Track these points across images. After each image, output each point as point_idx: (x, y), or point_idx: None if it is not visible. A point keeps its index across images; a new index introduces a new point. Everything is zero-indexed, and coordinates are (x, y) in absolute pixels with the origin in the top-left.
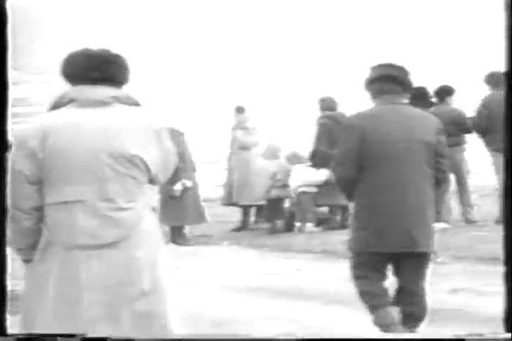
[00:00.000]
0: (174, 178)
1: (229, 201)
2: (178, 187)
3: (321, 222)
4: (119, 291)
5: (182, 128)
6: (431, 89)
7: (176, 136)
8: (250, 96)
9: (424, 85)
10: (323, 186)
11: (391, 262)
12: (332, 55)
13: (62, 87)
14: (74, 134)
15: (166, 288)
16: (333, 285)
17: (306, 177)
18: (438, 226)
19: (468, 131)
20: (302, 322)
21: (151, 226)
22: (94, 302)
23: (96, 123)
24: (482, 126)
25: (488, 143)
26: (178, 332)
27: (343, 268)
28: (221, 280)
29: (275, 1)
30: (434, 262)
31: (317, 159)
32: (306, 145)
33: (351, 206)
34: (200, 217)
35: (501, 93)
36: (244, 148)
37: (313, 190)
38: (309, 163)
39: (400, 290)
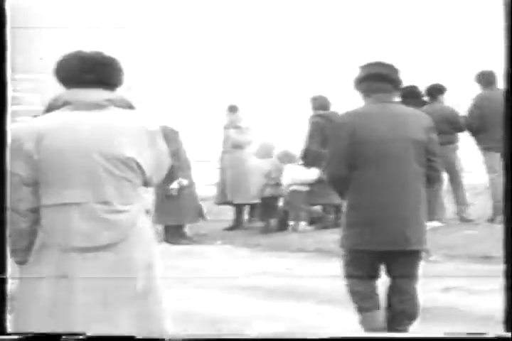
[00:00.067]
0: (170, 177)
1: (222, 200)
2: (174, 186)
3: (315, 221)
4: (115, 293)
5: (176, 127)
6: (422, 88)
7: (170, 134)
8: (243, 95)
9: (415, 84)
10: (316, 185)
11: (383, 260)
12: (324, 53)
13: (55, 85)
14: (69, 136)
15: (161, 288)
16: (326, 284)
17: (297, 176)
18: (431, 224)
19: (461, 130)
20: (295, 321)
21: (145, 228)
22: (88, 303)
23: (91, 125)
24: (474, 125)
25: (480, 142)
26: (171, 331)
27: (336, 267)
28: (214, 280)
29: (266, 1)
30: (427, 261)
31: (309, 158)
32: (298, 144)
33: (344, 204)
34: (198, 216)
35: (492, 92)
36: (238, 147)
37: (305, 188)
38: (301, 162)
39: (392, 289)
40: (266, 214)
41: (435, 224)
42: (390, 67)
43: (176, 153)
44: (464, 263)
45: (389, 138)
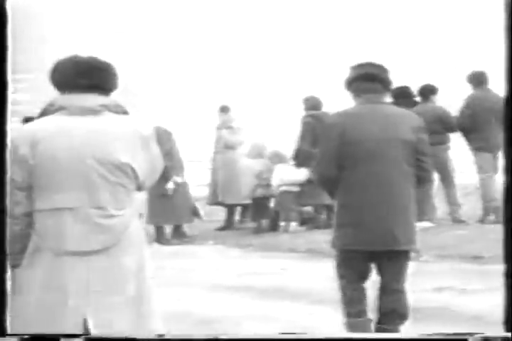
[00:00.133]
0: (165, 177)
1: (214, 200)
2: (170, 186)
3: (306, 221)
4: (108, 296)
5: (170, 128)
6: (415, 89)
7: (164, 135)
8: (235, 96)
9: (407, 84)
10: (306, 185)
11: (373, 260)
12: (317, 54)
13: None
14: (64, 142)
15: (152, 288)
16: (318, 284)
17: (286, 176)
18: (422, 225)
19: (453, 130)
20: (287, 322)
21: (137, 231)
22: (79, 306)
23: (86, 130)
24: (465, 124)
25: (471, 142)
26: (163, 331)
27: (328, 268)
28: (206, 280)
29: (259, 2)
30: (419, 261)
31: (300, 158)
32: (290, 145)
33: (335, 205)
34: (193, 216)
35: (483, 92)
36: (230, 147)
37: (295, 189)
38: (292, 162)
39: (382, 288)
40: (257, 215)
41: (426, 224)
42: (380, 67)
43: (169, 153)
44: (455, 263)
45: (378, 138)
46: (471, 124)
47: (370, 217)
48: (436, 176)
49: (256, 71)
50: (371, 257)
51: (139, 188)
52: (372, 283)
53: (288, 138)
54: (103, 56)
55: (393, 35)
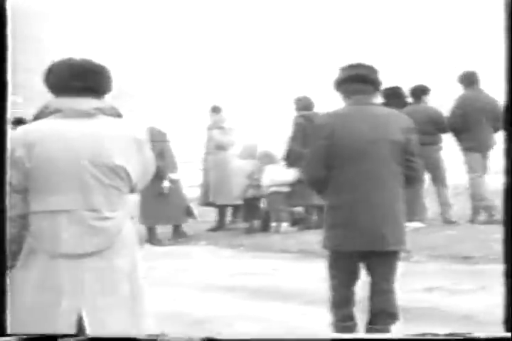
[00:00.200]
0: (160, 177)
1: (206, 201)
2: (166, 184)
3: (297, 222)
4: (101, 297)
5: (163, 128)
6: (406, 89)
7: (158, 135)
8: (226, 96)
9: (398, 85)
10: (297, 186)
11: (362, 260)
12: (309, 54)
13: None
14: (60, 144)
15: (144, 289)
16: (310, 284)
17: (277, 177)
18: (413, 225)
19: (445, 130)
20: (279, 322)
21: (129, 233)
22: (73, 307)
23: (81, 133)
24: (455, 124)
25: (461, 142)
26: (155, 331)
27: (320, 268)
28: (198, 280)
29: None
30: (410, 261)
31: (291, 159)
32: (282, 145)
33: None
34: (187, 216)
35: (474, 92)
36: (221, 148)
37: (285, 189)
38: (283, 163)
39: (372, 289)
40: (249, 215)
41: (417, 224)
42: (370, 68)
43: (162, 153)
44: (446, 264)
45: (367, 139)
46: (461, 124)
47: (359, 218)
48: (427, 176)
49: (248, 71)
50: (361, 257)
51: (132, 190)
52: (363, 284)
53: (279, 139)
54: (98, 58)
55: (385, 35)
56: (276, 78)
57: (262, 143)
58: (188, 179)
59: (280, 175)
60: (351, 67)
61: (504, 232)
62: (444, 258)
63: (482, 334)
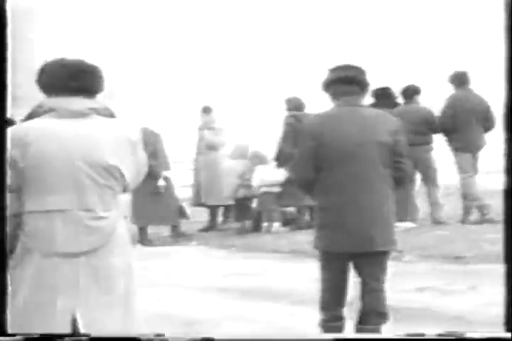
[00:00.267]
0: (155, 176)
1: (198, 202)
2: (161, 183)
3: (289, 222)
4: (96, 295)
5: (157, 129)
6: (397, 89)
7: (151, 136)
8: (217, 96)
9: (389, 85)
10: (288, 186)
11: (352, 261)
12: (299, 54)
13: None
14: (54, 144)
15: (136, 289)
16: (301, 285)
17: (267, 177)
18: (404, 225)
19: (437, 130)
20: (270, 322)
21: (124, 233)
22: (67, 307)
23: (76, 133)
24: (446, 125)
25: (451, 142)
26: (145, 331)
27: (311, 268)
28: (189, 281)
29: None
30: (401, 261)
31: (282, 159)
32: (272, 146)
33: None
34: (180, 216)
35: (464, 92)
36: (212, 148)
37: (276, 189)
38: (273, 163)
39: (362, 289)
40: (240, 215)
41: (408, 224)
42: (358, 69)
43: (154, 153)
44: (437, 264)
45: (355, 141)
46: (452, 125)
47: (347, 220)
48: (418, 177)
49: (238, 72)
50: (350, 258)
51: (124, 190)
52: (355, 284)
53: (270, 139)
54: (90, 58)
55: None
56: (267, 79)
57: (252, 144)
58: (180, 179)
59: (271, 176)
60: (339, 68)
61: (504, 232)
62: (435, 258)
63: (482, 335)
